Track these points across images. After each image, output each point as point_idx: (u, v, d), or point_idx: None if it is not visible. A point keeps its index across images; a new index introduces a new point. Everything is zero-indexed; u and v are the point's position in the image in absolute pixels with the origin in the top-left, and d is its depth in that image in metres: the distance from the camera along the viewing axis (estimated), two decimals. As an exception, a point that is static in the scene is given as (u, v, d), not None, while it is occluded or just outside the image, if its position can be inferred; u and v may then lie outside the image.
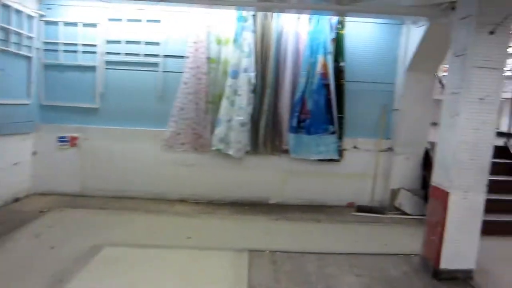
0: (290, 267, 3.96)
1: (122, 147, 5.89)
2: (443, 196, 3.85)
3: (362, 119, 6.13)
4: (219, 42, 5.63)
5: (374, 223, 5.51)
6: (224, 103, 5.56)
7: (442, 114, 4.04)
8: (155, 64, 5.77)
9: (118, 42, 5.75)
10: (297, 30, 5.70)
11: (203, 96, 5.64)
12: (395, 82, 6.09)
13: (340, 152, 6.02)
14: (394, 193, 6.07)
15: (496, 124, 3.79)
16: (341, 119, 5.94)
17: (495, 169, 5.80)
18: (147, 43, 5.75)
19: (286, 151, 5.92)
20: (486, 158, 3.79)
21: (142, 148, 5.88)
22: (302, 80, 5.64)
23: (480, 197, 3.82)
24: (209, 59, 5.64)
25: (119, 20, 5.72)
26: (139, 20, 5.72)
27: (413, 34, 5.69)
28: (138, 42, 5.75)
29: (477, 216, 3.84)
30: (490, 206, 5.10)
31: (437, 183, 4.03)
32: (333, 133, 5.82)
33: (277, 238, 4.77)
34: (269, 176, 6.09)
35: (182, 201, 5.93)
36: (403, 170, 6.08)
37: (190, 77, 5.58)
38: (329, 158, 5.95)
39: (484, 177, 3.81)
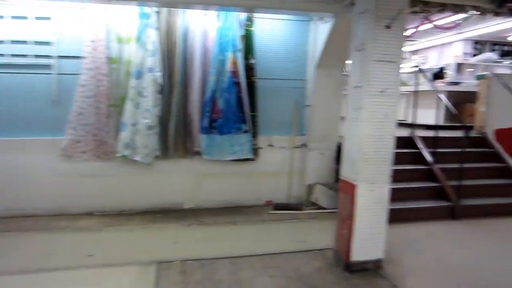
0: (201, 276, 3.74)
1: (11, 160, 5.21)
2: (351, 189, 3.87)
3: (275, 116, 6.08)
4: (120, 40, 5.22)
5: (291, 220, 5.48)
6: (128, 105, 5.17)
7: (348, 107, 4.07)
8: (48, 66, 5.20)
9: (1, 42, 5.10)
10: (204, 27, 5.47)
11: (104, 99, 5.18)
12: (306, 79, 6.12)
13: (255, 151, 5.92)
14: (310, 188, 6.11)
15: (397, 116, 3.87)
16: (254, 118, 5.83)
17: (402, 158, 6.12)
18: (37, 43, 5.16)
19: (198, 153, 5.67)
20: (390, 149, 3.87)
21: (37, 159, 5.26)
22: (212, 79, 5.42)
23: (385, 188, 3.90)
24: (109, 59, 5.19)
25: (1, 17, 5.08)
26: (25, 18, 5.12)
27: (320, 30, 5.74)
28: (25, 42, 5.14)
29: (383, 207, 3.91)
30: (397, 195, 5.37)
31: (345, 176, 4.05)
32: (246, 132, 5.69)
33: (189, 245, 4.52)
34: (182, 180, 5.82)
35: (88, 214, 5.43)
36: (318, 165, 6.14)
37: (88, 79, 5.09)
38: (244, 157, 5.81)
39: (388, 168, 3.88)
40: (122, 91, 5.25)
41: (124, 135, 5.20)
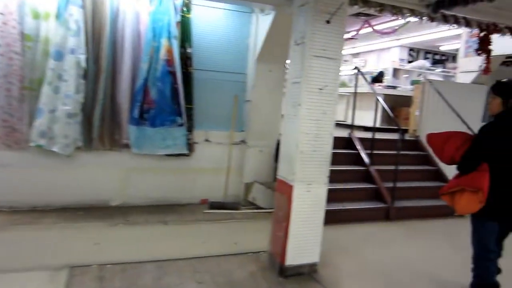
0: (121, 282, 3.34)
1: None
2: (288, 189, 3.67)
3: (213, 110, 5.77)
4: (36, 16, 4.59)
5: (227, 221, 5.20)
6: (46, 89, 4.57)
7: (286, 104, 3.86)
8: None
9: None
10: (136, 9, 5.01)
11: (17, 80, 4.54)
12: (247, 73, 5.87)
13: (190, 145, 5.55)
14: (248, 187, 5.87)
15: (335, 115, 3.73)
16: (190, 110, 5.47)
17: (340, 159, 6.08)
18: None
19: (127, 146, 5.20)
20: (328, 149, 3.71)
21: None
22: (144, 66, 4.97)
23: (323, 189, 3.74)
24: (23, 35, 4.56)
25: None
26: None
27: (262, 23, 5.51)
28: None
29: (320, 209, 3.75)
30: (334, 195, 5.29)
31: (282, 176, 3.84)
32: (181, 125, 5.31)
33: (111, 247, 4.08)
34: (108, 175, 5.32)
35: (-6, 210, 4.78)
36: (257, 163, 5.91)
37: (-3, 57, 4.45)
38: (178, 152, 5.43)
39: (326, 169, 3.72)
40: (38, 72, 4.64)
41: (40, 122, 4.60)
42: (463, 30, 7.45)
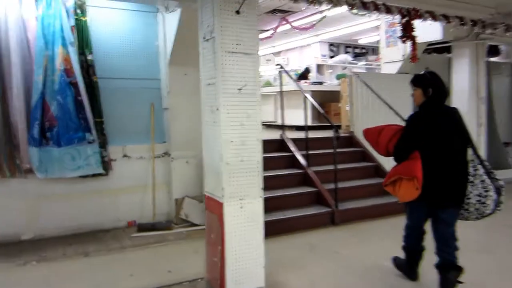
0: None
1: None
2: (218, 207, 3.18)
3: (129, 122, 5.15)
4: None
5: (158, 244, 4.61)
6: None
7: (203, 109, 3.38)
8: None
9: None
10: (21, 14, 4.25)
11: None
12: (161, 78, 5.30)
13: (106, 163, 4.89)
14: (179, 203, 5.28)
15: (261, 117, 3.30)
16: (100, 124, 4.83)
17: (274, 163, 5.71)
18: None
19: (32, 171, 4.42)
20: (258, 157, 3.27)
21: None
22: (38, 79, 4.24)
23: (258, 203, 3.28)
24: None
25: None
26: None
27: (169, 22, 4.98)
28: None
29: (258, 225, 3.29)
30: (273, 204, 4.89)
31: (209, 192, 3.35)
32: (92, 142, 4.64)
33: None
34: (14, 205, 4.53)
35: None
36: (185, 175, 5.35)
37: None
38: (92, 172, 4.75)
39: (259, 179, 3.28)
40: None
41: None
42: (381, 22, 7.45)
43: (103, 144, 4.83)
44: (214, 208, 3.24)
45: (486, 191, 2.85)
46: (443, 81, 3.10)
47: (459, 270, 3.01)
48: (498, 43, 8.15)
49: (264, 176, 5.09)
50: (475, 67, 6.92)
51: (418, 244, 3.31)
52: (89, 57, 4.67)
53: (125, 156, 5.11)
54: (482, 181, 2.86)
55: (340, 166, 5.49)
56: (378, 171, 6.14)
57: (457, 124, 3.01)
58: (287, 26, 10.02)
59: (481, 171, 2.88)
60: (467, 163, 2.94)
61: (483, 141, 6.90)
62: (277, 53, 14.53)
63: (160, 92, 5.29)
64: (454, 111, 3.09)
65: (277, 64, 6.23)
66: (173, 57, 5.00)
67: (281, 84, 6.28)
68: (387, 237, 4.60)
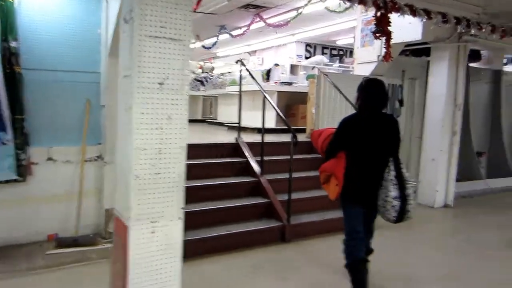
0: None
1: None
2: (123, 231, 2.48)
3: (58, 120, 4.39)
4: None
5: (75, 264, 3.87)
6: None
7: (118, 108, 2.67)
8: None
9: None
10: None
11: None
12: (101, 71, 4.55)
13: (24, 168, 4.13)
14: (110, 214, 4.53)
15: (186, 118, 2.61)
16: (20, 122, 4.06)
17: (225, 170, 5.04)
18: None
19: None
20: (179, 168, 2.58)
21: None
22: None
23: (176, 226, 2.60)
24: None
25: None
26: None
27: (112, 9, 4.26)
28: None
29: (175, 254, 2.60)
30: (216, 217, 4.25)
31: (118, 211, 2.65)
32: (6, 143, 3.87)
33: None
34: None
35: None
36: (122, 182, 4.61)
37: None
38: (4, 179, 3.97)
39: (179, 196, 2.59)
40: None
41: None
42: (357, 21, 6.86)
43: (22, 145, 4.07)
44: (120, 231, 2.54)
45: (387, 196, 2.91)
46: (382, 90, 3.08)
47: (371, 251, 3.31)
48: (481, 47, 7.65)
49: (210, 184, 4.42)
50: (454, 72, 6.37)
51: (362, 250, 3.12)
52: (13, 44, 3.93)
53: (50, 159, 4.35)
54: (387, 186, 2.92)
55: (296, 175, 4.87)
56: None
57: (387, 132, 3.07)
58: (262, 24, 9.38)
59: (391, 176, 2.92)
60: (385, 167, 2.97)
61: (455, 150, 6.34)
62: (253, 52, 13.88)
63: (99, 87, 4.55)
64: (390, 119, 3.16)
65: (237, 61, 5.51)
66: (113, 48, 4.26)
67: (240, 83, 5.59)
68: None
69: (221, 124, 8.67)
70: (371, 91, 3.06)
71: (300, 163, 5.23)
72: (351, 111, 5.46)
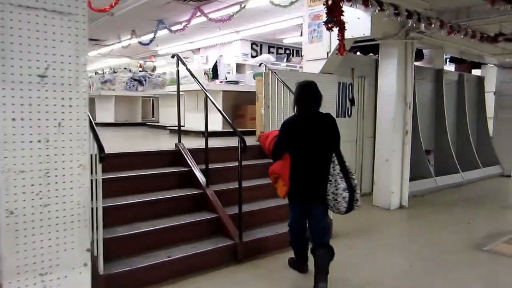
0: None
1: None
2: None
3: None
4: None
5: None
6: None
7: None
8: None
9: None
10: None
11: None
12: None
13: None
14: None
15: (85, 124, 1.82)
16: None
17: (164, 183, 4.24)
18: None
19: None
20: (79, 195, 1.80)
21: None
22: None
23: (80, 277, 1.81)
24: None
25: None
26: None
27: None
28: None
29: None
30: (155, 240, 3.47)
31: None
32: None
33: None
34: None
35: None
36: None
37: None
38: None
39: (83, 234, 1.80)
40: None
41: None
42: (304, 15, 6.30)
43: None
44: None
45: (337, 189, 3.03)
46: (316, 90, 3.18)
47: (331, 249, 3.16)
48: (425, 46, 7.45)
49: (146, 201, 3.64)
50: (403, 69, 6.00)
51: (301, 238, 3.42)
52: None
53: None
54: (336, 180, 3.04)
55: (247, 184, 4.19)
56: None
57: (326, 130, 3.16)
58: (204, 19, 8.60)
59: (337, 170, 3.05)
60: (330, 164, 3.08)
61: (408, 149, 5.98)
62: (196, 50, 13.04)
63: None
64: (327, 118, 3.20)
65: (173, 55, 4.69)
66: None
67: (178, 81, 4.77)
68: (301, 277, 3.40)
69: (164, 127, 7.81)
70: (306, 93, 3.19)
71: (251, 169, 4.56)
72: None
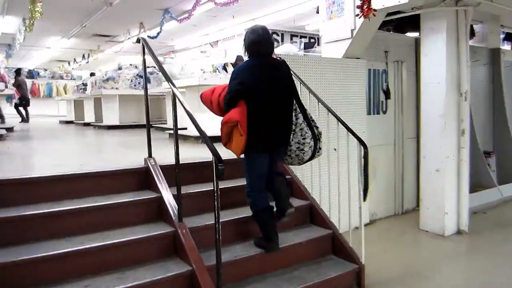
0: None
1: None
2: None
3: None
4: None
5: None
6: None
7: None
8: None
9: None
10: None
11: None
12: None
13: None
14: None
15: None
16: None
17: (123, 217, 2.83)
18: None
19: None
20: None
21: None
22: None
23: None
24: None
25: None
26: None
27: None
28: None
29: None
30: None
31: None
32: None
33: None
34: None
35: None
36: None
37: None
38: None
39: None
40: None
41: None
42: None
43: None
44: None
45: (304, 138, 2.87)
46: (266, 34, 2.81)
47: (292, 206, 3.03)
48: (479, 17, 5.69)
49: (96, 247, 2.69)
50: (454, 48, 4.39)
51: (267, 199, 2.93)
52: None
53: None
54: (301, 129, 2.88)
55: (230, 216, 2.84)
56: (313, 215, 3.50)
57: (282, 75, 2.88)
58: (210, 5, 7.28)
59: (300, 119, 2.88)
60: (292, 112, 2.89)
61: (466, 155, 4.36)
62: (214, 43, 11.76)
63: None
64: (280, 63, 2.92)
65: (138, 40, 3.35)
66: None
67: (145, 73, 3.42)
68: None
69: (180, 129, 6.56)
70: (260, 36, 2.81)
71: (238, 193, 3.18)
72: (322, 109, 3.52)
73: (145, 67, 3.38)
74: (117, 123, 8.09)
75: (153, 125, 7.99)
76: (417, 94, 5.05)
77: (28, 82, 16.56)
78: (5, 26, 9.77)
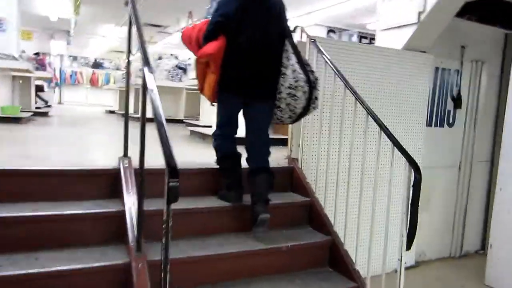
0: None
1: None
2: None
3: None
4: None
5: None
6: None
7: None
8: None
9: None
10: None
11: None
12: None
13: None
14: None
15: None
16: None
17: (75, 236, 2.15)
18: None
19: None
20: None
21: None
22: None
23: None
24: None
25: None
26: None
27: None
28: None
29: None
30: None
31: None
32: None
33: None
34: None
35: None
36: None
37: None
38: None
39: None
40: None
41: None
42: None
43: None
44: None
45: (296, 81, 2.37)
46: None
47: (271, 174, 2.48)
48: None
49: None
50: None
51: (233, 147, 2.54)
52: None
53: None
54: (294, 71, 2.38)
55: (198, 252, 1.99)
56: (333, 257, 2.52)
57: (274, 8, 2.47)
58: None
59: (293, 60, 2.40)
60: (281, 55, 2.43)
61: None
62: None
63: None
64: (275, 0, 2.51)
65: (126, 2, 2.58)
66: None
67: (128, 49, 2.66)
68: None
69: (204, 127, 5.85)
70: None
71: (219, 216, 2.33)
72: (356, 108, 2.53)
73: (129, 40, 2.60)
74: (150, 116, 7.53)
75: (184, 121, 7.34)
76: (499, 106, 3.86)
77: (89, 72, 17.05)
78: (61, 11, 9.74)
